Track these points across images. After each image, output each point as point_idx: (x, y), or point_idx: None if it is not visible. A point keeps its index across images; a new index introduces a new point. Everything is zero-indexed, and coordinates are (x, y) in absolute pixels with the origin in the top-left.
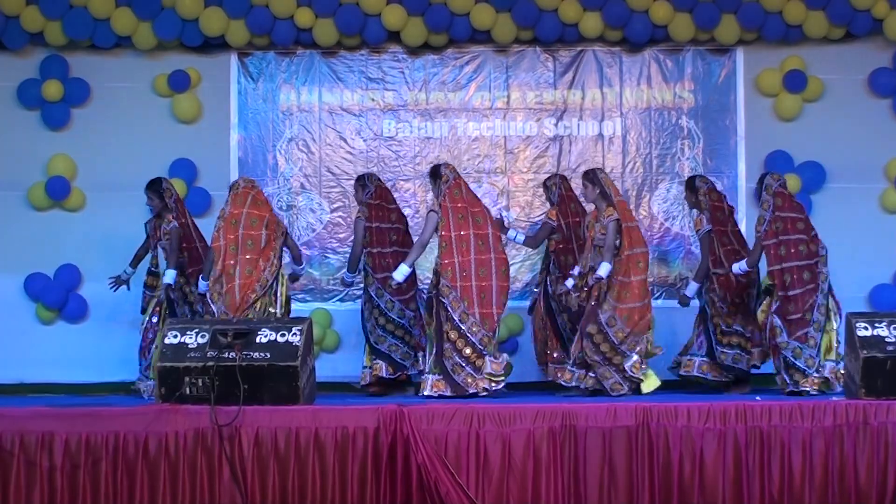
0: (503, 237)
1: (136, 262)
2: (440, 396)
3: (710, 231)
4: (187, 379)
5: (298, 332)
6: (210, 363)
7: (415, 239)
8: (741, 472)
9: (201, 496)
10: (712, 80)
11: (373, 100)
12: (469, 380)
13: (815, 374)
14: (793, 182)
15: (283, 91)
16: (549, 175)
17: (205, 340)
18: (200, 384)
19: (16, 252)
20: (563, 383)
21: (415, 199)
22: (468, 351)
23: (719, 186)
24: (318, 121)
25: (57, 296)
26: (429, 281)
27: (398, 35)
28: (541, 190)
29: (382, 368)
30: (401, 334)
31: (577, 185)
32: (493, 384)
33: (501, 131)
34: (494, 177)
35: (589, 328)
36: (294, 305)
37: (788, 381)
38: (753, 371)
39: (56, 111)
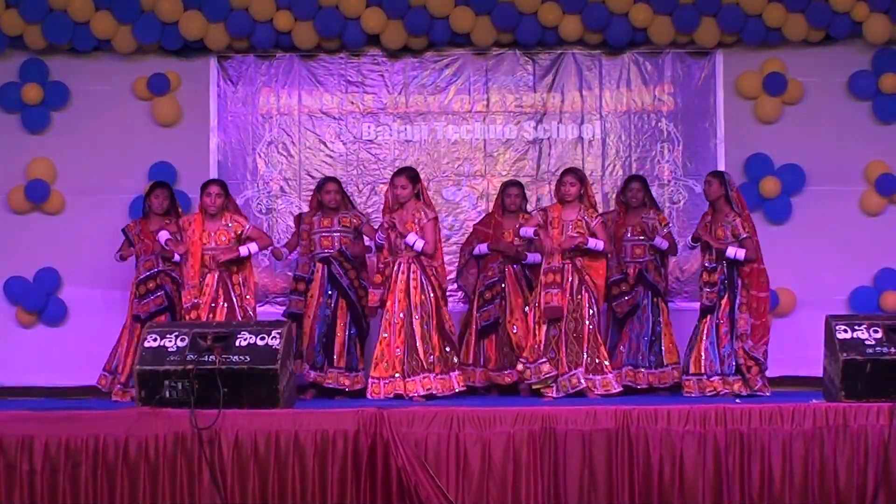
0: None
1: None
2: None
3: None
4: (167, 382)
5: (278, 336)
6: (190, 367)
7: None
8: (721, 474)
9: (181, 499)
10: (692, 82)
11: (352, 103)
12: None
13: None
14: (773, 185)
15: (262, 94)
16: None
17: (184, 344)
18: (180, 388)
19: None
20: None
21: None
22: None
23: (698, 189)
24: (297, 124)
25: (37, 299)
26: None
27: (378, 38)
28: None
29: None
30: None
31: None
32: None
33: (481, 134)
34: (474, 180)
35: None
36: (272, 308)
37: None
38: None
39: (36, 115)
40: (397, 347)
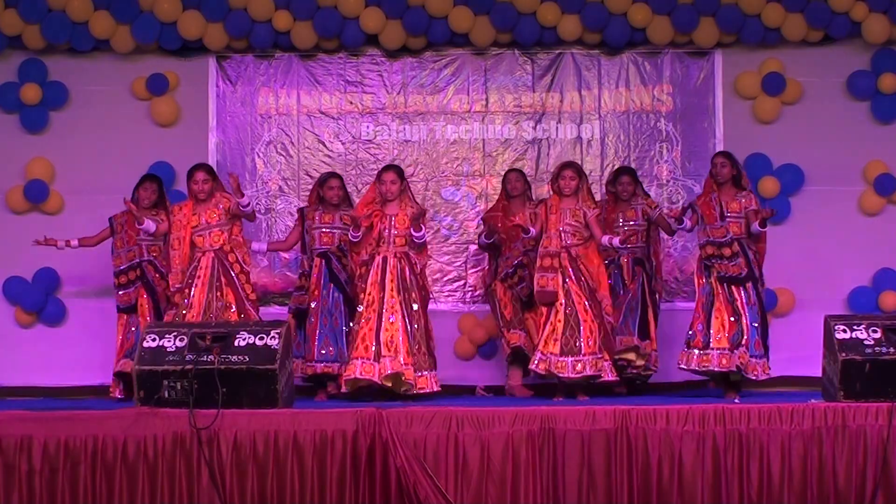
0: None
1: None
2: None
3: None
4: (166, 382)
5: (277, 336)
6: (189, 367)
7: None
8: (720, 474)
9: (180, 499)
10: (691, 82)
11: (351, 103)
12: None
13: None
14: (771, 185)
15: (261, 94)
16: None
17: (183, 344)
18: (179, 388)
19: None
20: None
21: None
22: None
23: (697, 189)
24: (296, 124)
25: (35, 299)
26: None
27: (376, 38)
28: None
29: None
30: None
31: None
32: None
33: (480, 134)
34: (473, 180)
35: None
36: (272, 308)
37: None
38: None
39: (34, 114)
40: (373, 339)
